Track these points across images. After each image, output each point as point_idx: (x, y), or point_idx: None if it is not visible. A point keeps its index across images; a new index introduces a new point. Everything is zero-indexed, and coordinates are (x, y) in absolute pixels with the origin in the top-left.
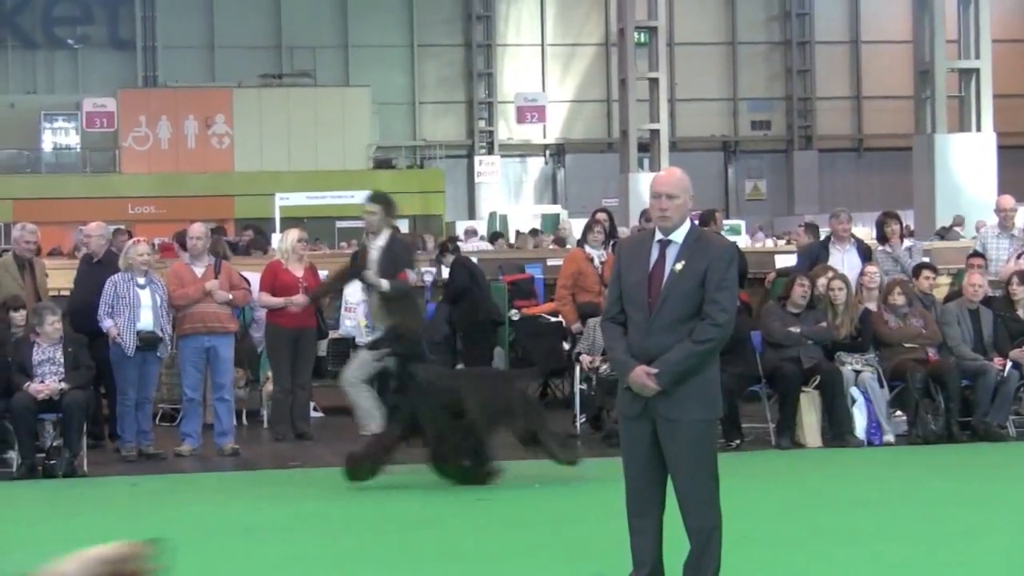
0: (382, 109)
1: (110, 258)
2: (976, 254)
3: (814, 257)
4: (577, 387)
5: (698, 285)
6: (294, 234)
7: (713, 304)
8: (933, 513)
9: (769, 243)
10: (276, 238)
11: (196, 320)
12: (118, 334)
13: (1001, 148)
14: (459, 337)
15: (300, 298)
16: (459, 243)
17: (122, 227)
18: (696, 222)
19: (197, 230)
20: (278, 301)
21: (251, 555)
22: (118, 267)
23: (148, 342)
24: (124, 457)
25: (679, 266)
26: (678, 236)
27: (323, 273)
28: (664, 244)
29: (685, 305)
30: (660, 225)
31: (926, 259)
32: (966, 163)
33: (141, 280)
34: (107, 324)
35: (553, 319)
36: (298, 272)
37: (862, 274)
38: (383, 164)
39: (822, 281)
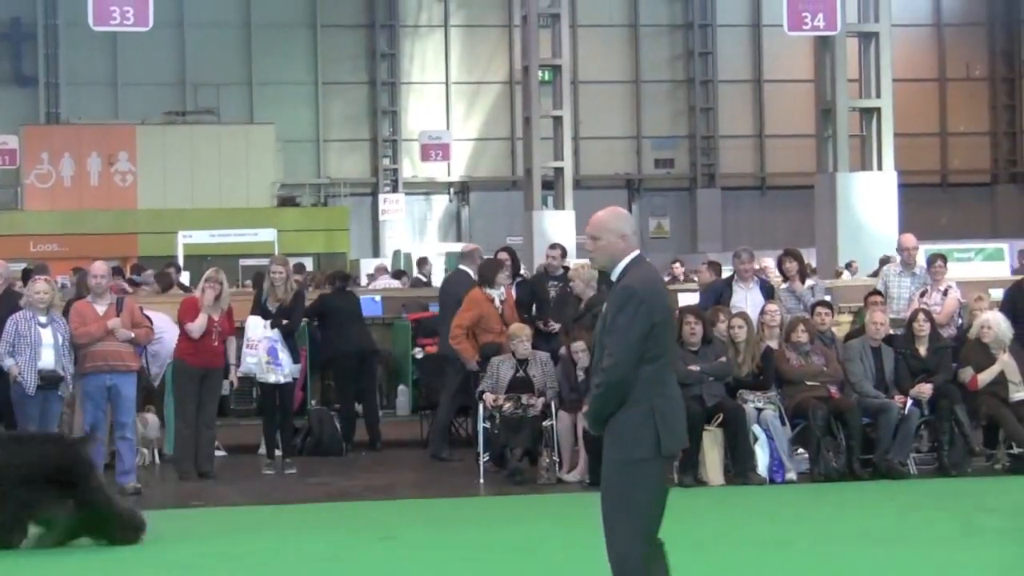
0: (286, 147)
1: (8, 297)
2: (875, 292)
3: (718, 295)
4: (480, 425)
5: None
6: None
7: (603, 349)
8: (835, 551)
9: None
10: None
11: (98, 358)
12: (19, 373)
13: (903, 186)
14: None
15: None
16: (350, 280)
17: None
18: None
19: (99, 268)
20: (200, 322)
21: None
22: (17, 305)
23: (49, 381)
24: None
25: (603, 308)
26: (615, 278)
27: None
28: (609, 286)
29: (602, 348)
30: (592, 266)
31: (827, 297)
32: (868, 201)
33: (43, 319)
34: (7, 363)
35: None
36: (215, 315)
37: (763, 312)
38: (287, 202)
39: (722, 327)
